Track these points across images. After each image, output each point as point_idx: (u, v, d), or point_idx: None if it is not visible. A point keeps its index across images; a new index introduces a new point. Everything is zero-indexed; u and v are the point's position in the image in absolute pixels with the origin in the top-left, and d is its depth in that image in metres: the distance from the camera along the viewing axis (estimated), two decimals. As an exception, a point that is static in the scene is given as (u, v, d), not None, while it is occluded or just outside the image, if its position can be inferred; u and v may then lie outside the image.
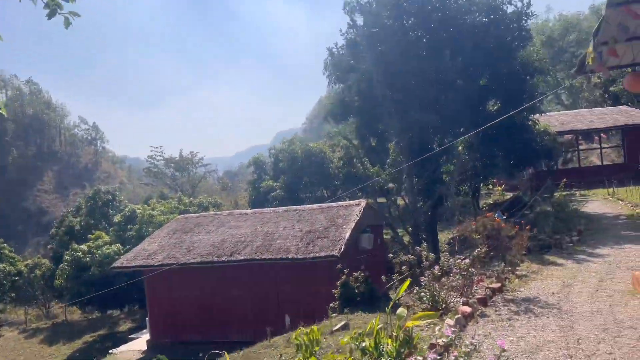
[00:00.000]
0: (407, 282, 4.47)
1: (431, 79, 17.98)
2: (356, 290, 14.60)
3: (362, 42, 18.88)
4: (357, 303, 13.84)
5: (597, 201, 18.95)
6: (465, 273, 6.47)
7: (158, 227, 22.09)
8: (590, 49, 7.69)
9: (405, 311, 4.41)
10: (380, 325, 4.43)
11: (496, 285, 6.89)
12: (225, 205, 42.99)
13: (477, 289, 7.26)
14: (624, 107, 32.01)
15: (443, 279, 6.77)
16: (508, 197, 27.19)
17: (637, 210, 14.22)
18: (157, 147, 54.52)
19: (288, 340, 10.01)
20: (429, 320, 4.33)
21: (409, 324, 4.34)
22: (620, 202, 17.06)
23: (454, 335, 5.19)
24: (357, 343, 4.10)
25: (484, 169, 21.94)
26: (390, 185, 27.21)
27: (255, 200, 33.21)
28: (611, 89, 37.72)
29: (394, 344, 4.16)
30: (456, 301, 6.71)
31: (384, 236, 23.07)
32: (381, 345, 4.17)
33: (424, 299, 6.45)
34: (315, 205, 23.03)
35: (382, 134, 21.31)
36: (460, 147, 21.02)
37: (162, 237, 18.32)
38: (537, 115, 21.32)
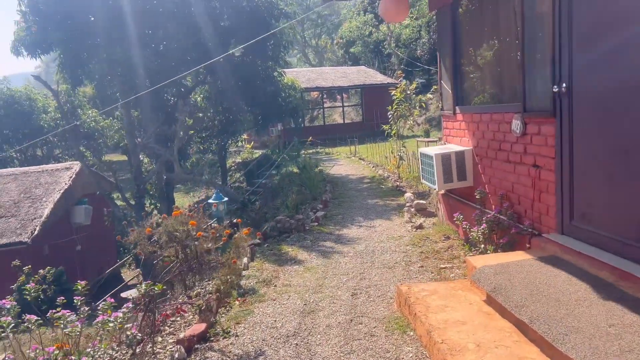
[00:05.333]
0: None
1: (153, 8, 13.98)
2: (41, 297, 10.52)
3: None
4: (44, 313, 9.65)
5: (341, 160, 18.29)
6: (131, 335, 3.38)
7: None
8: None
9: None
10: None
11: (199, 328, 3.94)
12: None
13: (170, 333, 4.22)
14: (363, 67, 33.53)
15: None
16: (257, 155, 25.62)
17: (378, 172, 13.46)
18: None
19: None
20: None
21: None
22: (362, 162, 16.52)
23: None
24: None
25: (230, 125, 19.30)
26: (126, 142, 22.75)
27: None
28: (351, 50, 39.50)
29: None
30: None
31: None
32: None
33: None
34: (5, 171, 17.18)
35: (100, 76, 16.41)
36: (199, 98, 17.76)
37: None
38: (285, 69, 19.59)
